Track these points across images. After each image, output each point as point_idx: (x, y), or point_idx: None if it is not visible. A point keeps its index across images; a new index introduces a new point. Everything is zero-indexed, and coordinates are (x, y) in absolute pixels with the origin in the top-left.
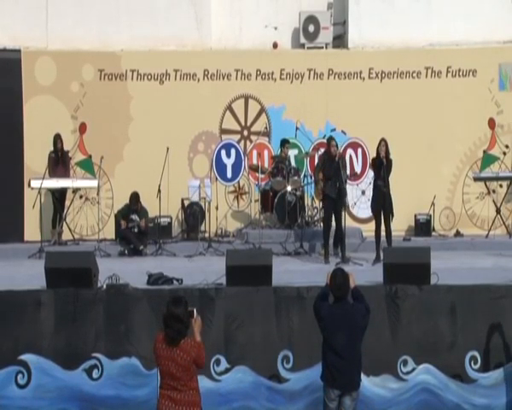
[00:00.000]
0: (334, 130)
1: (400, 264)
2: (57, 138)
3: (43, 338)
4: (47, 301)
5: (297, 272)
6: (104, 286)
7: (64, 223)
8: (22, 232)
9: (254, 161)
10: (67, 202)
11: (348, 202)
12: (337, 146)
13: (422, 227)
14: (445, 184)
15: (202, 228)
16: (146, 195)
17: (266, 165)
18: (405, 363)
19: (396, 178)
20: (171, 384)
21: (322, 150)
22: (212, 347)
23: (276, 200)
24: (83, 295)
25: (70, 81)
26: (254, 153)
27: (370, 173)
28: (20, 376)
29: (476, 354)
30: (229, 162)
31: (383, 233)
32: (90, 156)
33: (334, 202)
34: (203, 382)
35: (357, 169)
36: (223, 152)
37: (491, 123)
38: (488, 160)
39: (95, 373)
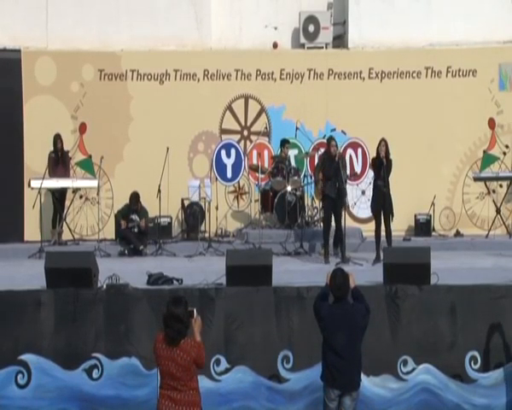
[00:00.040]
0: (334, 130)
1: (400, 264)
2: (57, 138)
3: (43, 338)
4: (47, 301)
5: (297, 272)
6: (104, 286)
7: (64, 223)
8: (22, 232)
9: (254, 161)
10: (67, 202)
11: (348, 201)
12: (337, 146)
13: (422, 227)
14: (445, 184)
15: (202, 228)
16: (146, 195)
17: (266, 165)
18: (405, 363)
19: (396, 178)
20: (171, 384)
21: (322, 150)
22: (212, 347)
23: (276, 200)
24: (83, 295)
25: (70, 81)
26: (254, 153)
27: (370, 173)
28: (20, 376)
29: (476, 354)
30: (229, 162)
31: (383, 233)
32: (90, 156)
33: (334, 202)
34: (203, 382)
35: (357, 169)
36: (223, 152)
37: (491, 123)
38: (488, 160)
39: (95, 373)
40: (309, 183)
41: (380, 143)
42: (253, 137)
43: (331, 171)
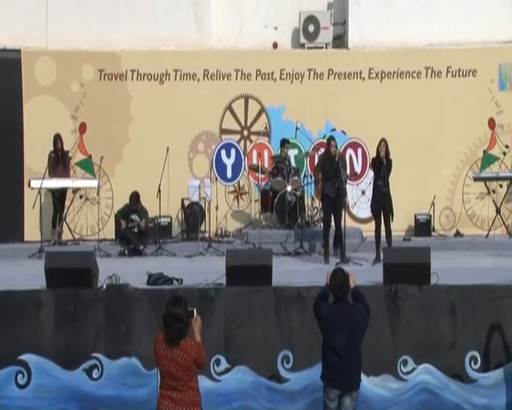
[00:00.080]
0: (334, 130)
1: (400, 264)
2: (57, 138)
3: (43, 338)
4: (47, 301)
5: (297, 272)
6: (104, 286)
7: (64, 223)
8: (22, 232)
9: (254, 161)
10: (67, 202)
11: (348, 201)
12: (337, 146)
13: (422, 227)
14: (445, 184)
15: (202, 228)
16: (146, 195)
17: (266, 165)
18: (405, 363)
19: (396, 178)
20: (172, 384)
21: (322, 150)
22: (212, 347)
23: (276, 200)
24: (83, 295)
25: (70, 81)
26: (254, 153)
27: (370, 173)
28: (20, 376)
29: (476, 354)
30: (229, 162)
31: (383, 233)
32: (90, 156)
33: (334, 202)
34: (203, 382)
35: (357, 169)
36: (223, 152)
37: (491, 123)
38: (488, 160)
39: (95, 373)
40: (309, 183)
41: (380, 143)
42: (253, 137)
43: (331, 171)
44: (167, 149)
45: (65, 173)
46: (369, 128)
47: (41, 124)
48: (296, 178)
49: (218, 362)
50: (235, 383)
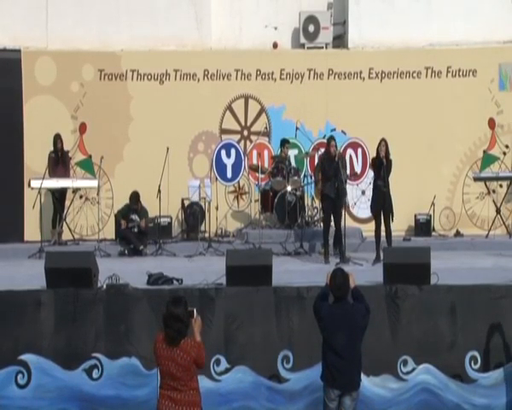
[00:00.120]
0: (334, 130)
1: (400, 264)
2: (57, 138)
3: (43, 338)
4: (47, 301)
5: (297, 272)
6: (104, 286)
7: (64, 223)
8: (22, 232)
9: (254, 161)
10: (67, 202)
11: (348, 201)
12: (336, 146)
13: (422, 227)
14: (445, 184)
15: (202, 228)
16: (146, 195)
17: (266, 165)
18: (405, 363)
19: (396, 178)
20: (172, 384)
21: (323, 150)
22: (212, 347)
23: (276, 200)
24: (83, 295)
25: (70, 81)
26: (254, 153)
27: (370, 173)
28: (20, 376)
29: (476, 354)
30: (229, 162)
31: (383, 233)
32: (90, 156)
33: (334, 202)
34: (203, 382)
35: (357, 169)
36: (223, 152)
37: (491, 123)
38: (488, 160)
39: (95, 373)
40: (309, 183)
41: (380, 143)
42: (253, 137)
43: (331, 171)
44: (167, 149)
45: (65, 173)
46: (369, 128)
47: (41, 124)
48: (296, 178)
49: (218, 362)
50: (235, 383)
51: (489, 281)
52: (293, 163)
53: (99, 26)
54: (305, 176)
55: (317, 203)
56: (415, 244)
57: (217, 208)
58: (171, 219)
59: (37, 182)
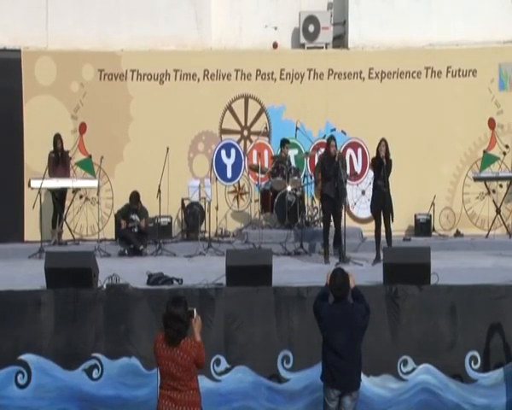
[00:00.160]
0: (334, 130)
1: (400, 264)
2: (57, 138)
3: (43, 338)
4: (47, 301)
5: (297, 272)
6: (104, 286)
7: (64, 223)
8: (22, 232)
9: (254, 161)
10: (67, 202)
11: (348, 201)
12: (336, 146)
13: (422, 227)
14: (445, 184)
15: (202, 228)
16: (146, 195)
17: (266, 165)
18: (405, 363)
19: (396, 178)
20: (172, 384)
21: (322, 150)
22: (212, 347)
23: (276, 200)
24: (83, 295)
25: (70, 81)
26: (254, 153)
27: (370, 173)
28: (20, 376)
29: (476, 354)
30: (229, 162)
31: (383, 233)
32: (90, 156)
33: (333, 202)
34: (203, 382)
35: (357, 169)
36: (223, 152)
37: (491, 123)
38: (488, 160)
39: (95, 373)
40: (309, 183)
41: (380, 143)
42: (253, 137)
43: (331, 171)
44: (167, 149)
45: (65, 173)
46: (369, 128)
47: (41, 124)
48: (296, 178)
49: (218, 362)
50: (235, 383)
51: (489, 281)
52: (293, 163)
53: (99, 26)
54: (305, 176)
55: (317, 203)
56: (415, 244)
57: (217, 208)
58: (171, 219)
59: (37, 182)
